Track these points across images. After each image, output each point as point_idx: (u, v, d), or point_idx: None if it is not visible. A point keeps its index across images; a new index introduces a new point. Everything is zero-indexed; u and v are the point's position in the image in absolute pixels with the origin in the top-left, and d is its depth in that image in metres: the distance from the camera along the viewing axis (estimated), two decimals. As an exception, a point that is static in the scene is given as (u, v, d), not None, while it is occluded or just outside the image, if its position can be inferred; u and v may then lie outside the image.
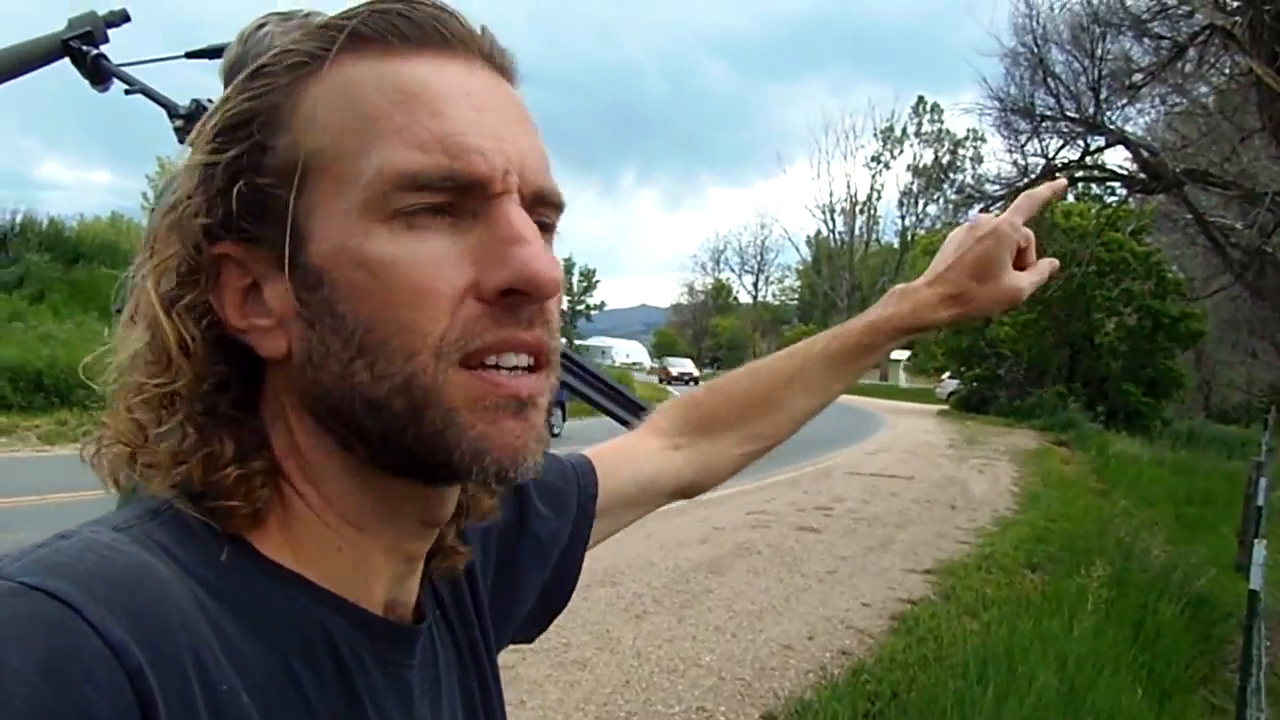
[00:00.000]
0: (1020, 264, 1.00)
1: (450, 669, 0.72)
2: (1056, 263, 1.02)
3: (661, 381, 46.57)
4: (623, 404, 1.57)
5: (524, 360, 0.57)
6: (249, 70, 0.59)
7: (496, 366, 0.56)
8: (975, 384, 37.33)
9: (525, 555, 0.85)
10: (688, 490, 1.03)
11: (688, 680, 4.78)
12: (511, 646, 0.88)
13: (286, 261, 0.56)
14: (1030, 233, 1.00)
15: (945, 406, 38.60)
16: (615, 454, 0.98)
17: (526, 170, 0.58)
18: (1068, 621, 5.26)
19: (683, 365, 57.65)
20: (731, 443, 1.04)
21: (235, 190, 0.57)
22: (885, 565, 7.76)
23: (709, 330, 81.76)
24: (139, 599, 0.47)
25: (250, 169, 0.57)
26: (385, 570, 0.63)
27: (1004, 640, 4.88)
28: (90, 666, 0.43)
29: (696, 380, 48.24)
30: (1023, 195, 1.02)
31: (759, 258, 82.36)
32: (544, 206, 0.60)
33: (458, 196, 0.55)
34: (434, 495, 0.63)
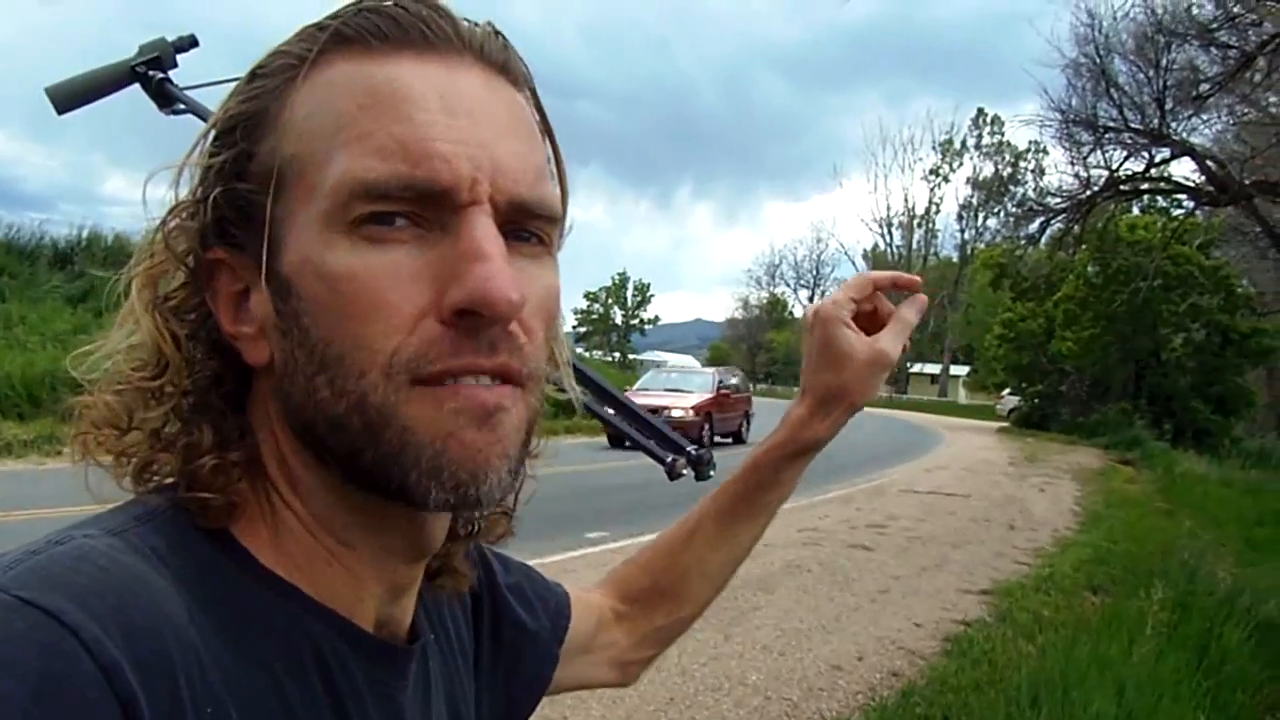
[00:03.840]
0: (878, 324, 0.94)
1: (439, 694, 0.70)
2: (923, 299, 0.94)
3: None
4: (663, 442, 1.52)
5: (485, 381, 0.54)
6: (246, 74, 0.59)
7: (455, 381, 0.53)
8: (1037, 400, 36.66)
9: (521, 644, 0.84)
10: (619, 663, 0.98)
11: (733, 699, 4.72)
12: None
13: (264, 270, 0.55)
14: (864, 285, 0.93)
15: (1006, 423, 37.91)
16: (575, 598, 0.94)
17: (502, 178, 0.54)
18: (1127, 646, 5.09)
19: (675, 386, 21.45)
20: (658, 615, 0.98)
21: (221, 195, 0.56)
22: (939, 585, 7.60)
23: (764, 345, 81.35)
24: (135, 615, 0.46)
25: (235, 174, 0.56)
26: (376, 589, 0.61)
27: (1059, 664, 4.74)
28: (83, 691, 0.42)
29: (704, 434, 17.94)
30: (856, 276, 0.96)
31: (815, 272, 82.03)
32: (529, 218, 0.56)
33: (422, 206, 0.53)
34: (416, 518, 0.60)
